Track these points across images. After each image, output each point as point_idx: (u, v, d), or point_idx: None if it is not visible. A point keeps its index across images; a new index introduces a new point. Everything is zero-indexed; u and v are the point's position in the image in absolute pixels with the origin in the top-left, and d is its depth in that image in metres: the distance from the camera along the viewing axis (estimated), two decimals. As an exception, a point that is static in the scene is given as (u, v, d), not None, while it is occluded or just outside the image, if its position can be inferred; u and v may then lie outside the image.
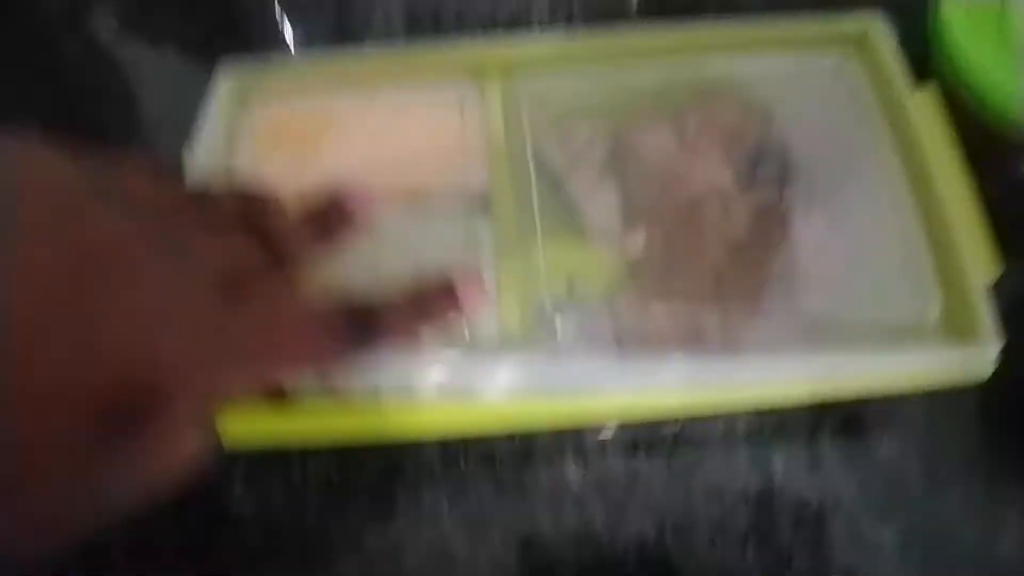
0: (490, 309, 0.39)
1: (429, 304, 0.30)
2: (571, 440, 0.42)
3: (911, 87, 0.41)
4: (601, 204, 0.47)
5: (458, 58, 0.43)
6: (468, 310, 0.30)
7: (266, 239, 0.28)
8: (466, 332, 0.38)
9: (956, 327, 0.37)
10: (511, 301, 0.39)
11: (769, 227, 0.43)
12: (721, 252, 0.44)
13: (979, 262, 0.37)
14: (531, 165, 0.47)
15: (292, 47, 0.51)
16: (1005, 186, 0.44)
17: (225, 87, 0.41)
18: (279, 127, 0.41)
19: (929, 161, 0.40)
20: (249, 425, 0.34)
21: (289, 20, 0.52)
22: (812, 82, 0.46)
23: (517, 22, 0.51)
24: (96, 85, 0.51)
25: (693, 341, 0.41)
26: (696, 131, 0.46)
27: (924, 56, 0.45)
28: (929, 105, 0.41)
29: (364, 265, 0.37)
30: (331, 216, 0.32)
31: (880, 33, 0.42)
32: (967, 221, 0.38)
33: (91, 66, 0.52)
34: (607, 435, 0.43)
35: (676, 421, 0.42)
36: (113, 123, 0.50)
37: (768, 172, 0.45)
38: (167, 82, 0.50)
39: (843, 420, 0.42)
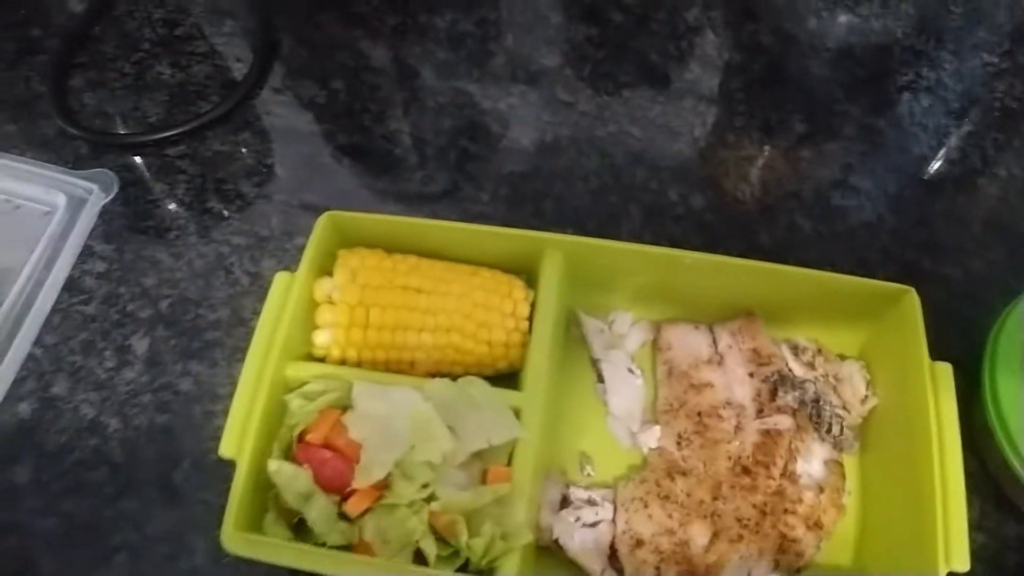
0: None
1: None
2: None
3: (930, 360, 0.44)
4: (626, 393, 0.50)
5: (525, 243, 0.49)
6: None
7: None
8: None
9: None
10: (525, 465, 0.43)
11: (774, 455, 0.46)
12: (724, 467, 0.46)
13: (952, 554, 0.39)
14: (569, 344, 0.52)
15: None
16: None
17: (323, 225, 0.48)
18: (357, 266, 0.47)
19: (934, 436, 0.42)
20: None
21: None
22: (837, 335, 0.50)
23: (604, 227, 0.57)
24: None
25: (680, 554, 0.44)
26: (727, 345, 0.50)
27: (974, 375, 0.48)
28: (943, 380, 0.44)
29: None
30: None
31: (911, 302, 0.46)
32: (954, 509, 0.40)
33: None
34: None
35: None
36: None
37: (785, 402, 0.47)
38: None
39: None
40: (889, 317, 0.48)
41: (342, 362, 0.47)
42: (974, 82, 0.63)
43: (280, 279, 0.48)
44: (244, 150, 0.62)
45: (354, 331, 0.46)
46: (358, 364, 0.47)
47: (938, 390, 0.44)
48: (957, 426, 0.43)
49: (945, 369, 0.45)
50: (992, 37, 0.65)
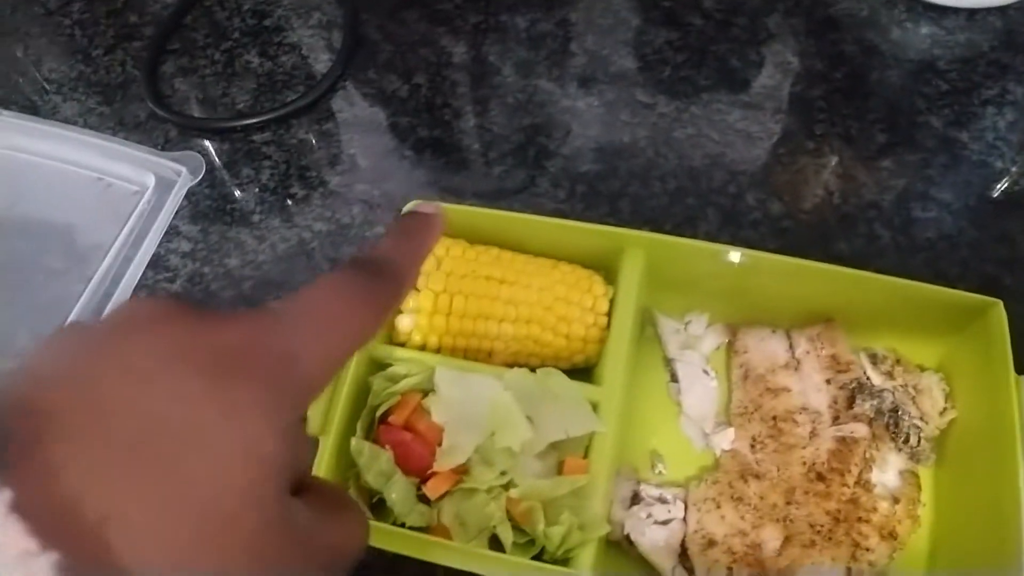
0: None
1: (412, 237, 0.32)
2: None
3: (1016, 374, 0.44)
4: (700, 394, 0.50)
5: (606, 239, 0.49)
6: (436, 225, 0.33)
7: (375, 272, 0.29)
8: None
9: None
10: (602, 458, 0.43)
11: (849, 463, 0.46)
12: (799, 472, 0.46)
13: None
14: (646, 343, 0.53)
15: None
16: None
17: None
18: (442, 254, 0.48)
19: (1019, 450, 0.41)
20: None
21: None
22: (916, 346, 0.49)
23: (680, 228, 0.57)
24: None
25: (752, 556, 0.44)
26: (804, 351, 0.50)
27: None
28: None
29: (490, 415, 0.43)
30: (415, 232, 0.33)
31: (999, 315, 0.45)
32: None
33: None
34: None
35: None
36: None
37: (863, 410, 0.47)
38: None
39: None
40: (973, 330, 0.47)
41: (422, 347, 0.48)
42: (1062, 98, 0.62)
43: (366, 264, 0.49)
44: (327, 139, 0.63)
45: (437, 318, 0.47)
46: (437, 350, 0.48)
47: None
48: (1043, 441, 0.42)
49: (1030, 384, 0.44)
50: (1083, 53, 0.64)
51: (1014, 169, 0.59)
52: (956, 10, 0.66)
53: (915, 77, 0.63)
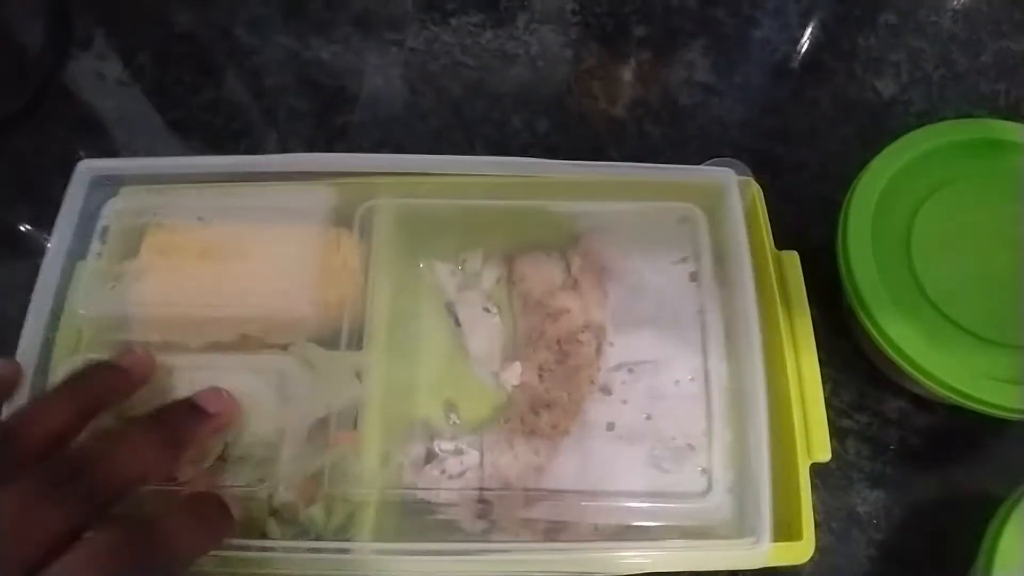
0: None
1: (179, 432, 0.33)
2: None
3: (775, 250, 0.42)
4: (483, 333, 0.48)
5: (347, 192, 0.45)
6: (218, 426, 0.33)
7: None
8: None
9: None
10: (372, 424, 0.40)
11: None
12: (589, 392, 0.44)
13: (814, 445, 0.38)
14: (420, 288, 0.49)
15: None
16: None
17: (82, 180, 0.43)
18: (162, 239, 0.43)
19: (783, 328, 0.40)
20: None
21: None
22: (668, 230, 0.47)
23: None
24: None
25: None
26: (579, 267, 0.48)
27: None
28: (791, 269, 0.42)
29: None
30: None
31: (732, 188, 0.43)
32: (812, 397, 0.39)
33: None
34: None
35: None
36: None
37: (645, 313, 0.45)
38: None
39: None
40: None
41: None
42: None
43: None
44: (51, 146, 0.57)
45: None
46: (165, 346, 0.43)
47: (786, 280, 0.42)
48: (808, 315, 0.42)
49: (792, 257, 0.43)
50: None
51: (773, 37, 0.58)
52: None
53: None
